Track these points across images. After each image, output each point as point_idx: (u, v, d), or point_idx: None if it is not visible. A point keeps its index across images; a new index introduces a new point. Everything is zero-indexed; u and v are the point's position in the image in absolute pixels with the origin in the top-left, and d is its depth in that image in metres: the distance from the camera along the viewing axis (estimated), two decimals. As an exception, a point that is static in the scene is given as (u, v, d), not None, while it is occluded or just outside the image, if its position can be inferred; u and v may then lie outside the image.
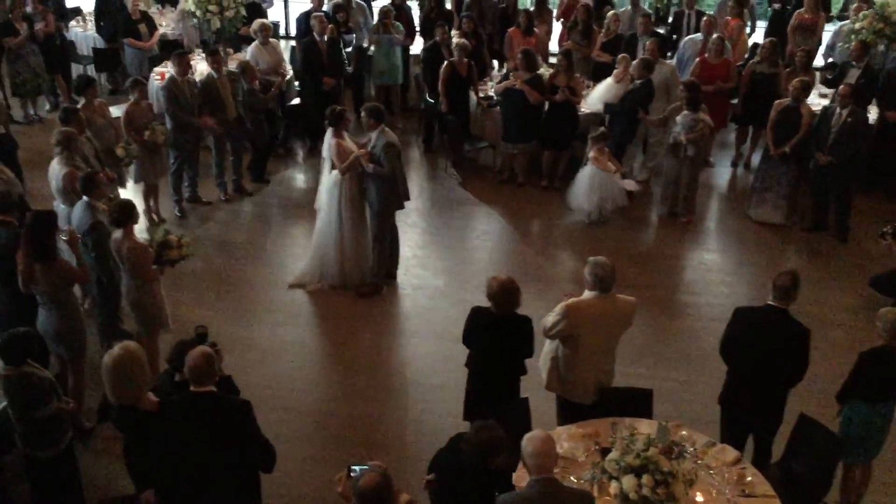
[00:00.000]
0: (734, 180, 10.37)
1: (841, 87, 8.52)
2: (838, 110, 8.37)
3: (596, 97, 9.71)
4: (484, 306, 5.23)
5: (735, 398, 5.27)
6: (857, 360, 5.07)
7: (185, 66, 8.60)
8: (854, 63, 9.64)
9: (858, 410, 5.04)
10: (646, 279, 8.09)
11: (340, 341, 7.18)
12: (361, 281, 7.74)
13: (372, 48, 11.31)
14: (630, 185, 8.95)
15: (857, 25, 10.48)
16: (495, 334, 5.21)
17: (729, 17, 11.02)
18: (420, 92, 11.01)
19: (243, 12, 10.96)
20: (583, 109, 9.80)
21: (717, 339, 6.96)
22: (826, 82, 10.27)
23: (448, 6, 12.01)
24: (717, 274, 8.27)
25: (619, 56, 9.61)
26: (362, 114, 7.40)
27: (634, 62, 9.26)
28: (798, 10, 11.50)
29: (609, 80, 9.57)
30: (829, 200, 8.77)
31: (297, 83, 10.76)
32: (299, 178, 10.22)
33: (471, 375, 5.48)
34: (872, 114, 9.39)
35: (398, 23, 11.02)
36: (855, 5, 10.99)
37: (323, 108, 9.91)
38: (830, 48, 11.55)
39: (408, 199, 7.81)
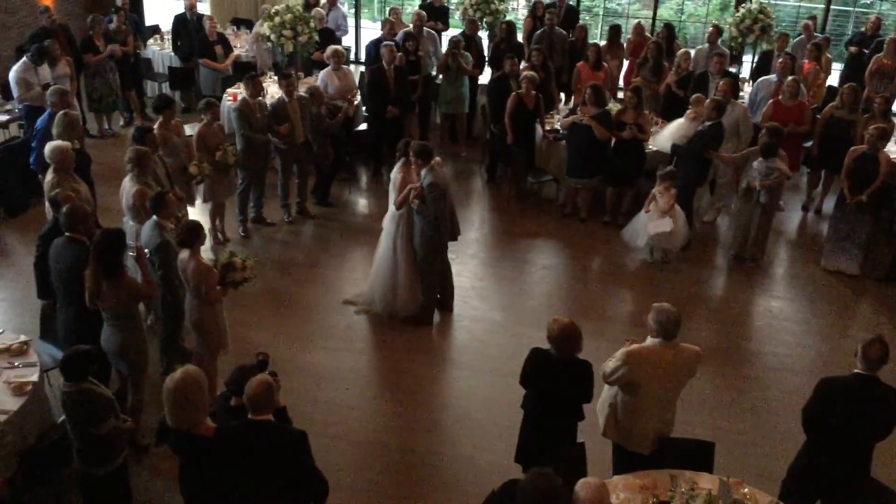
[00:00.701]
0: (804, 226, 10.10)
1: None
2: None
3: (666, 136, 9.52)
4: (543, 348, 5.14)
5: (816, 470, 5.02)
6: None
7: (257, 89, 8.74)
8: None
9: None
10: (709, 324, 7.91)
11: (395, 370, 7.14)
12: (410, 313, 7.72)
13: (440, 77, 11.38)
14: (662, 225, 8.61)
15: (939, 72, 10.21)
16: (554, 378, 5.10)
17: (805, 60, 10.80)
18: (486, 122, 11.01)
19: (316, 38, 11.15)
20: (650, 147, 9.68)
21: (782, 390, 6.89)
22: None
23: (519, 38, 12.01)
24: (784, 322, 8.03)
25: (695, 96, 9.44)
26: (410, 153, 7.27)
27: (707, 102, 9.09)
28: (877, 55, 11.24)
29: (681, 120, 9.38)
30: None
31: (364, 109, 10.87)
32: (361, 204, 10.28)
33: (526, 417, 5.38)
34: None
35: (467, 53, 11.06)
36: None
37: (387, 136, 10.12)
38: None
39: (454, 238, 7.68)
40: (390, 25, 11.27)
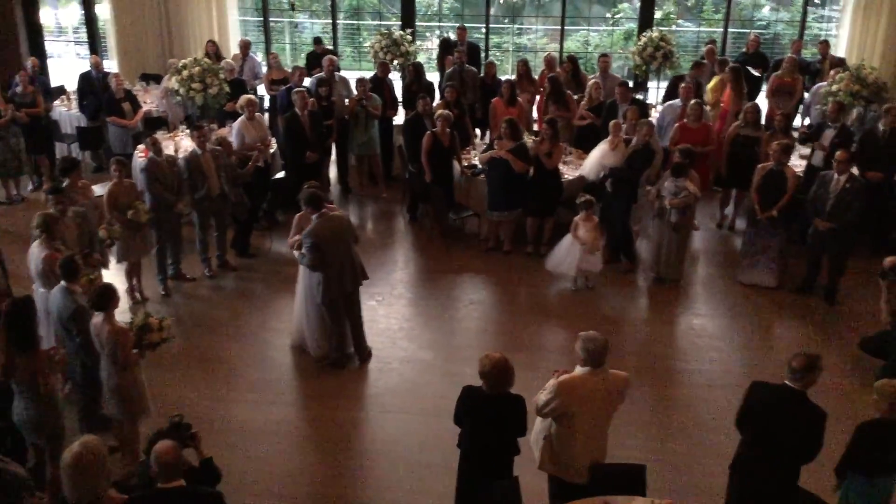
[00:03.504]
0: (720, 243, 10.38)
1: (838, 153, 8.49)
2: (836, 176, 8.40)
3: (592, 164, 9.70)
4: (476, 385, 5.12)
5: (748, 468, 5.12)
6: (855, 433, 4.98)
7: (157, 148, 8.60)
8: (830, 124, 9.74)
9: (857, 484, 4.92)
10: (635, 347, 8.01)
11: (325, 419, 7.00)
12: (322, 355, 7.65)
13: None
14: (592, 265, 8.90)
15: (835, 87, 10.71)
16: (488, 414, 5.08)
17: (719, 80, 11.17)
18: (404, 162, 11.06)
19: (227, 89, 11.06)
20: (566, 176, 9.86)
21: (710, 406, 7.00)
22: (801, 140, 10.37)
23: (429, 78, 12.13)
24: (707, 339, 8.19)
25: (612, 122, 9.66)
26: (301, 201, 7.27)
27: (641, 125, 9.34)
28: (776, 73, 11.73)
29: (604, 147, 9.57)
30: (821, 264, 8.77)
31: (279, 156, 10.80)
32: (284, 252, 10.11)
33: (463, 456, 5.33)
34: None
35: (374, 95, 11.11)
36: (833, 71, 11.21)
37: (306, 181, 10.03)
38: (807, 108, 11.76)
39: (356, 284, 7.51)
40: (299, 72, 11.26)
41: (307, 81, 11.28)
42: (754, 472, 5.04)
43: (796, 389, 4.86)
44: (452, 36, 13.47)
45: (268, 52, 14.24)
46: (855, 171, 9.40)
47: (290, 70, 11.96)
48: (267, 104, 12.55)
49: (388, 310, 8.63)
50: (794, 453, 4.92)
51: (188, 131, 9.86)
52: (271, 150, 10.63)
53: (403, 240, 10.52)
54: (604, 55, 12.18)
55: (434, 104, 10.86)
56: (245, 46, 12.84)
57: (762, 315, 8.62)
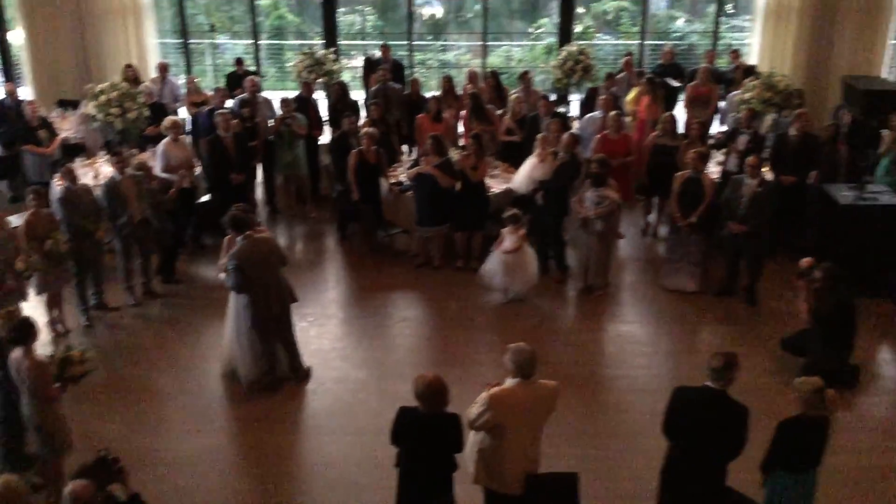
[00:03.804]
0: (645, 250, 10.61)
1: (749, 157, 8.85)
2: (747, 180, 8.69)
3: (522, 177, 9.82)
4: (411, 406, 5.11)
5: (677, 471, 5.24)
6: (776, 430, 5.14)
7: (71, 177, 8.41)
8: (743, 130, 10.08)
9: (782, 480, 5.08)
10: (565, 356, 8.12)
11: (258, 445, 6.90)
12: (253, 378, 7.55)
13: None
14: (525, 283, 9.03)
15: (747, 95, 11.09)
16: (424, 434, 5.08)
17: (639, 94, 11.44)
18: (331, 181, 11.02)
19: (146, 113, 10.88)
20: (493, 190, 9.97)
21: (640, 411, 7.13)
22: (715, 146, 10.70)
23: (353, 97, 12.14)
24: (635, 345, 8.36)
25: (540, 136, 9.78)
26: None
27: (564, 136, 9.49)
28: (692, 83, 12.08)
29: (533, 160, 9.71)
30: (739, 266, 9.04)
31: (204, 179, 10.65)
32: (211, 277, 9.95)
33: (401, 476, 5.31)
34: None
35: (299, 114, 11.06)
36: (747, 78, 11.61)
37: (232, 204, 9.92)
38: (723, 116, 12.14)
39: (283, 306, 7.43)
40: (221, 93, 11.14)
41: (229, 103, 11.16)
42: (683, 474, 5.17)
43: (717, 389, 5.00)
44: (377, 54, 13.50)
45: (188, 74, 14.05)
46: (770, 175, 9.80)
47: (210, 92, 11.83)
48: (189, 127, 12.36)
49: (319, 330, 8.57)
50: (720, 453, 5.05)
51: (108, 157, 9.64)
52: (196, 172, 10.48)
53: (333, 259, 10.48)
54: (526, 71, 12.38)
55: (360, 122, 10.86)
56: (163, 69, 12.64)
57: (686, 319, 8.84)
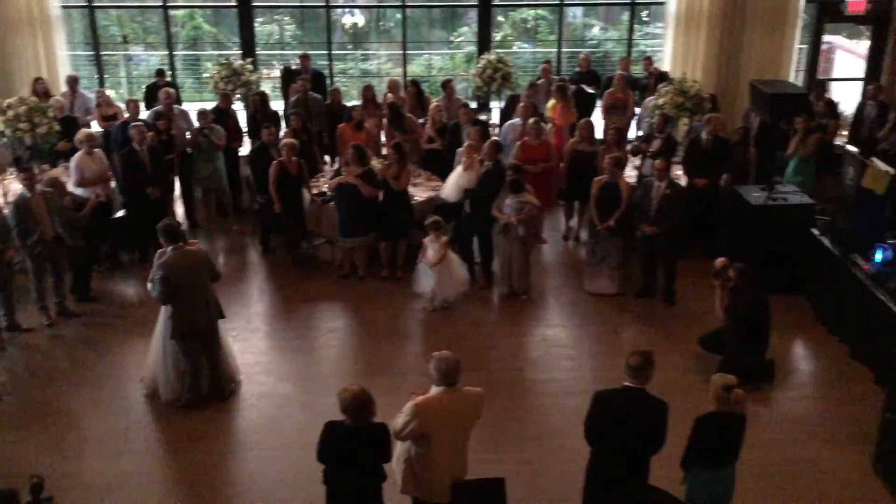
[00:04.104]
0: (567, 254, 10.78)
1: (657, 161, 9.10)
2: (656, 183, 8.92)
3: (451, 186, 9.89)
4: (337, 420, 5.07)
5: (601, 471, 5.32)
6: (693, 427, 5.27)
7: None
8: (657, 134, 10.35)
9: (700, 476, 5.22)
10: (492, 361, 8.17)
11: (182, 464, 6.75)
12: (177, 396, 7.40)
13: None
14: (453, 289, 9.08)
15: (661, 101, 11.38)
16: (353, 448, 5.05)
17: (554, 101, 11.61)
18: (252, 193, 10.88)
19: (57, 127, 10.56)
20: (416, 198, 10.00)
21: (565, 413, 7.22)
22: (632, 152, 10.94)
23: (273, 107, 12.01)
24: (559, 349, 8.48)
25: (466, 144, 9.87)
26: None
27: (485, 144, 9.55)
28: (609, 90, 12.34)
29: (459, 169, 9.77)
30: (656, 267, 9.25)
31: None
32: (130, 293, 9.72)
33: (329, 492, 5.25)
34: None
35: (218, 126, 10.90)
36: (660, 84, 11.91)
37: (149, 218, 9.72)
38: (640, 122, 12.43)
39: (210, 321, 7.30)
40: (134, 105, 10.88)
41: (144, 115, 10.92)
42: (607, 473, 5.26)
43: (636, 387, 5.11)
44: (295, 65, 13.39)
45: (101, 86, 13.69)
46: (684, 179, 10.09)
47: (122, 105, 11.55)
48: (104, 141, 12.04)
49: (243, 345, 8.43)
50: (642, 449, 5.16)
51: (17, 174, 9.32)
52: (112, 186, 10.23)
53: (257, 272, 10.33)
54: (448, 79, 12.45)
55: (280, 133, 10.76)
56: (73, 82, 12.27)
57: (608, 321, 9.01)
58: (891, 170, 8.47)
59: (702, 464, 5.25)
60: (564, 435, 6.90)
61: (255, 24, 14.95)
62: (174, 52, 14.75)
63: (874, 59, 14.83)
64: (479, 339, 8.64)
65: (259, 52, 14.86)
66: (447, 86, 12.21)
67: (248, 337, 8.62)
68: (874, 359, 7.73)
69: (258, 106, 11.60)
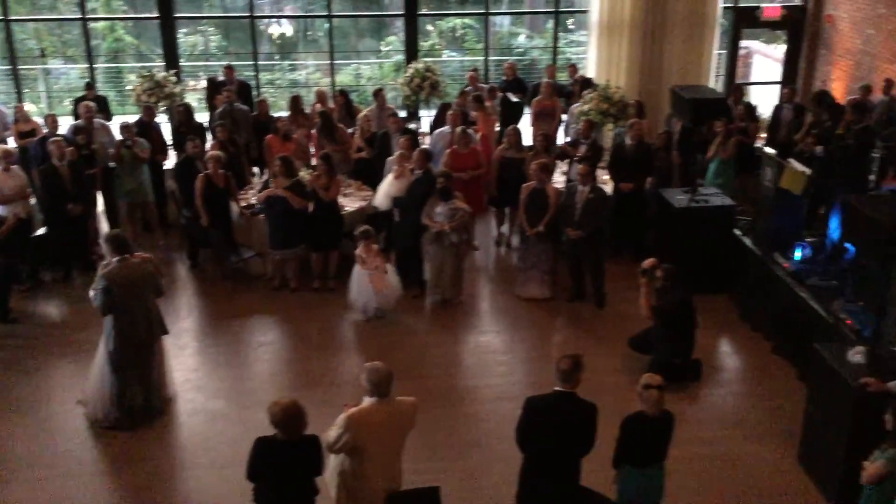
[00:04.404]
0: (499, 260, 10.86)
1: (580, 166, 9.26)
2: (580, 187, 9.07)
3: (382, 195, 9.87)
4: (268, 436, 5.00)
5: (534, 475, 5.36)
6: (620, 428, 5.36)
7: None
8: (583, 140, 10.52)
9: (631, 475, 5.31)
10: (426, 370, 8.18)
11: (113, 487, 6.58)
12: (105, 415, 7.21)
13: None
14: (386, 299, 9.04)
15: (586, 107, 11.58)
16: (285, 463, 4.99)
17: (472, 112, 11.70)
18: (178, 207, 10.69)
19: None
20: (346, 208, 9.96)
21: (500, 419, 7.24)
22: (559, 157, 11.10)
23: (199, 119, 11.83)
24: (493, 355, 8.53)
25: (398, 153, 9.85)
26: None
27: (415, 153, 9.56)
28: (536, 98, 12.51)
29: (390, 178, 9.78)
30: (584, 271, 9.39)
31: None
32: (53, 313, 9.43)
33: (261, 507, 5.19)
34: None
35: (141, 139, 10.68)
36: (586, 91, 12.12)
37: (70, 235, 9.48)
38: (567, 128, 12.62)
39: (151, 337, 7.18)
40: (52, 120, 10.59)
41: (64, 129, 10.64)
42: (539, 477, 5.31)
43: (566, 391, 5.17)
44: (220, 76, 13.20)
45: (19, 101, 13.28)
46: (610, 184, 10.27)
47: (40, 120, 11.24)
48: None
49: (173, 362, 8.16)
50: (573, 452, 5.23)
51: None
52: (32, 202, 9.93)
53: (186, 287, 10.13)
54: (379, 89, 12.40)
55: (206, 145, 10.59)
56: (-12, 97, 11.92)
57: (540, 326, 9.11)
58: (807, 171, 8.79)
59: (630, 463, 5.34)
60: (499, 440, 6.92)
61: (179, 36, 14.73)
62: (95, 66, 14.40)
63: (790, 64, 15.41)
64: (413, 348, 8.64)
65: (183, 63, 14.66)
66: (378, 95, 12.20)
67: (177, 354, 8.42)
68: (797, 354, 7.97)
69: (183, 118, 11.41)
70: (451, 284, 9.33)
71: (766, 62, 17.40)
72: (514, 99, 12.74)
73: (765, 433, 7.20)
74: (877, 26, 13.31)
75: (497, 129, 12.08)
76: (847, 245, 8.12)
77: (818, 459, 6.49)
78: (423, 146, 10.04)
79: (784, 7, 14.97)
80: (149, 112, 11.45)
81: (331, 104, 12.34)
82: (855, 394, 5.87)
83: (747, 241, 9.26)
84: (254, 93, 13.65)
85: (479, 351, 8.62)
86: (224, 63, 13.72)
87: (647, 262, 7.84)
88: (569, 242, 9.19)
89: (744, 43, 16.17)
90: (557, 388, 5.21)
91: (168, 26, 13.93)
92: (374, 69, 18.02)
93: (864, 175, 9.53)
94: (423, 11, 15.91)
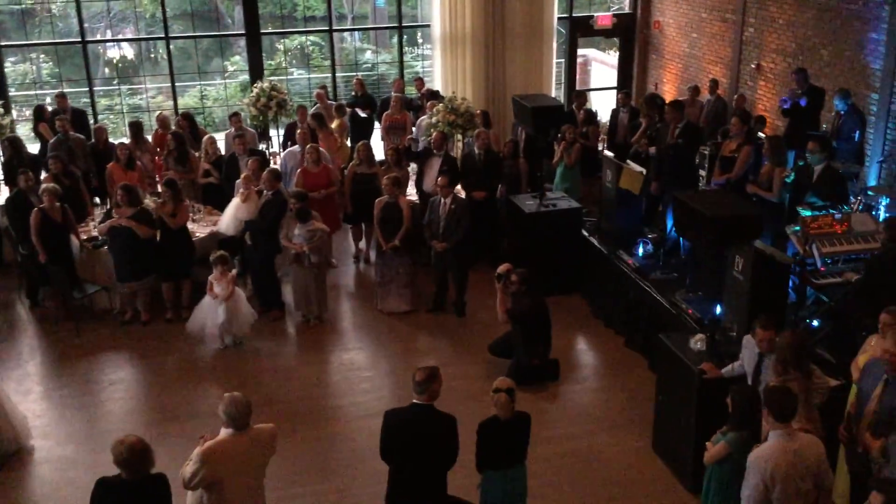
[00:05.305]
0: (359, 276, 10.83)
1: (439, 178, 9.36)
2: (442, 200, 9.17)
3: (228, 219, 9.64)
4: (110, 476, 4.76)
5: (400, 489, 5.35)
6: (477, 432, 5.45)
7: None
8: (436, 152, 10.66)
9: (493, 478, 5.40)
10: (290, 392, 8.05)
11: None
12: None
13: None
14: (240, 325, 8.85)
15: (434, 119, 11.74)
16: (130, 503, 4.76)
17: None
18: (14, 244, 10.05)
19: None
20: (197, 234, 9.67)
21: (368, 435, 7.20)
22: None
23: (30, 150, 11.19)
24: (358, 372, 8.48)
25: (243, 175, 9.62)
26: None
27: (264, 174, 9.38)
28: (387, 112, 12.58)
29: (236, 201, 9.55)
30: (448, 282, 9.50)
31: None
32: None
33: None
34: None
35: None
36: (432, 103, 12.29)
37: None
38: (416, 141, 12.75)
39: None
40: None
41: None
42: (405, 491, 5.31)
43: (423, 403, 5.20)
44: (49, 104, 12.54)
45: None
46: (462, 193, 10.43)
47: None
48: None
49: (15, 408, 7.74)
50: (436, 464, 5.26)
51: None
52: None
53: (26, 329, 9.53)
54: (236, 112, 12.03)
55: (40, 177, 10.02)
56: None
57: (403, 339, 9.13)
58: (643, 171, 9.25)
59: (490, 467, 5.43)
60: (368, 458, 6.85)
61: (7, 65, 13.89)
62: (-88, 98, 13.38)
63: (624, 69, 16.20)
64: (276, 372, 8.48)
65: (14, 93, 13.84)
66: (235, 118, 11.83)
67: (20, 401, 7.88)
68: (646, 346, 8.36)
69: (12, 151, 10.75)
70: (317, 304, 9.23)
71: (603, 69, 18.21)
72: (363, 114, 12.76)
73: (622, 424, 7.49)
74: (700, 30, 14.21)
75: (349, 143, 12.05)
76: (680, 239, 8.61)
77: (670, 445, 6.81)
78: (273, 166, 9.87)
79: (615, 15, 15.73)
80: (-26, 146, 10.75)
81: (174, 128, 11.92)
82: (697, 380, 6.20)
83: (594, 241, 9.65)
84: (90, 120, 13.03)
85: (344, 369, 8.55)
86: (57, 91, 13.06)
87: (502, 268, 8.02)
88: (436, 254, 9.27)
89: (581, 51, 16.87)
90: (415, 401, 5.23)
91: (-8, 55, 13.13)
92: (219, 90, 17.60)
93: (692, 172, 10.09)
94: (267, 30, 15.70)
